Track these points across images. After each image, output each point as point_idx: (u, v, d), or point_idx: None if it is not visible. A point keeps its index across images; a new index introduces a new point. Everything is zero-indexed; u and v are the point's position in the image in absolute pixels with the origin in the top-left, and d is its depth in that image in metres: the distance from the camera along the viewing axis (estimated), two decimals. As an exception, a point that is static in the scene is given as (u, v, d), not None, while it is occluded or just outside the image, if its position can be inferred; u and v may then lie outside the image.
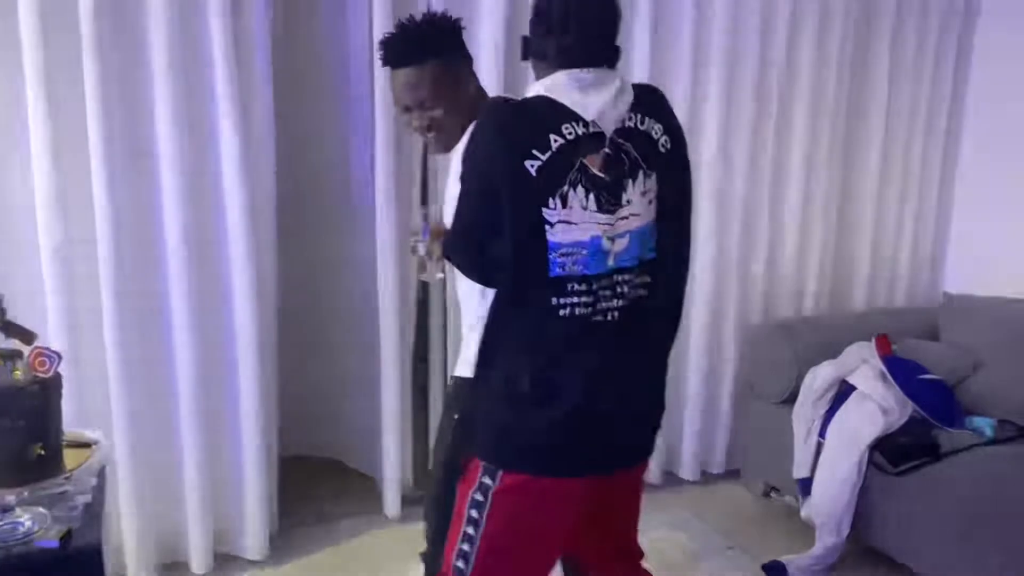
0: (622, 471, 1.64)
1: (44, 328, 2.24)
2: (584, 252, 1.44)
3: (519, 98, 1.55)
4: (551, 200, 1.42)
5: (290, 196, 2.91)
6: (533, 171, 1.41)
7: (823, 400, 2.86)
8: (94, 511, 1.28)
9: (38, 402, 1.25)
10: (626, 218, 1.47)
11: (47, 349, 1.27)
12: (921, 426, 2.69)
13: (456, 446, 1.80)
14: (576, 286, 1.45)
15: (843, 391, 2.84)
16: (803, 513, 2.78)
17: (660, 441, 3.13)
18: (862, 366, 2.86)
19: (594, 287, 1.46)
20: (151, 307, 2.45)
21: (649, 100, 1.54)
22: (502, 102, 1.53)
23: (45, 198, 2.24)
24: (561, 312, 1.45)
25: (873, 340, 2.95)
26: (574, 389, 1.48)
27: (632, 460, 1.66)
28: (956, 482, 2.47)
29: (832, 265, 3.41)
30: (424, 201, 2.46)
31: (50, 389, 1.27)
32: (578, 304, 1.45)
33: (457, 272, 1.83)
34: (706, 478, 3.36)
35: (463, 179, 1.52)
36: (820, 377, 2.89)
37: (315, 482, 3.23)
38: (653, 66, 2.93)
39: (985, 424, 2.71)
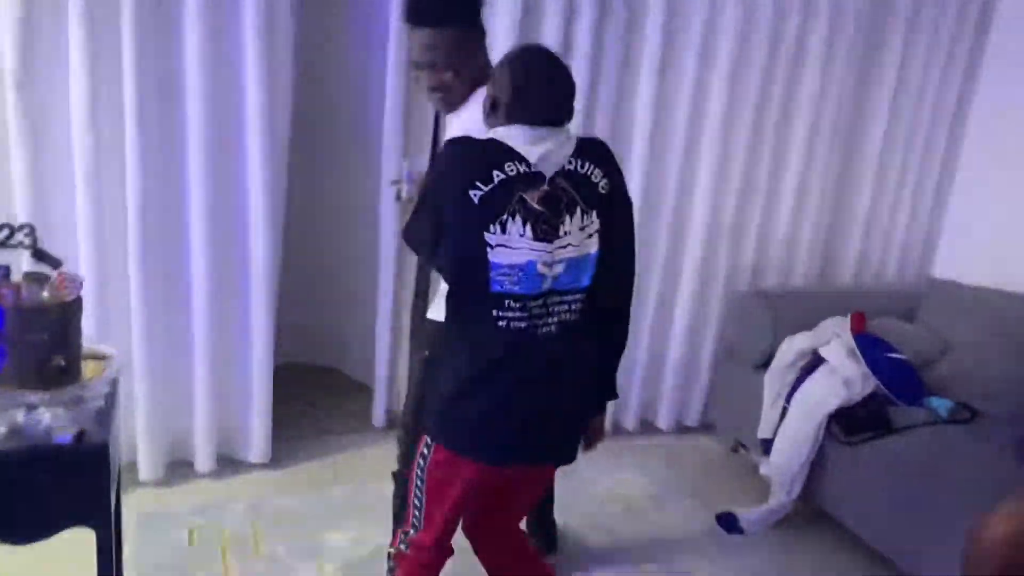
0: (529, 467, 1.88)
1: (77, 250, 2.47)
2: (520, 273, 1.64)
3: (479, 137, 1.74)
4: (491, 226, 1.63)
5: (304, 125, 3.06)
6: (476, 200, 1.63)
7: (793, 368, 3.02)
8: (105, 415, 1.50)
9: (61, 319, 1.45)
10: (564, 247, 1.67)
11: (71, 274, 1.47)
12: (880, 401, 2.86)
13: (424, 382, 2.02)
14: (512, 303, 1.65)
15: (813, 362, 2.99)
16: (762, 470, 2.97)
17: (636, 394, 3.38)
18: (834, 340, 3.01)
19: (528, 305, 1.66)
20: (172, 226, 2.63)
21: (592, 150, 1.76)
22: (461, 139, 1.73)
23: (79, 126, 2.41)
24: (499, 323, 1.66)
25: (849, 316, 3.10)
26: (501, 391, 1.70)
27: (540, 460, 1.87)
28: (901, 455, 2.63)
29: (824, 241, 3.53)
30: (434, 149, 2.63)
31: (72, 309, 1.47)
32: (514, 318, 1.66)
33: None
34: (681, 429, 3.57)
35: (421, 194, 1.75)
36: (793, 346, 3.04)
37: (314, 390, 3.50)
38: (664, 35, 3.01)
39: (941, 405, 2.86)
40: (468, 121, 1.92)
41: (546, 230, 1.65)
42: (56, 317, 1.44)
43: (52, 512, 1.46)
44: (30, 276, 1.46)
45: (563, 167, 1.69)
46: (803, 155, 3.34)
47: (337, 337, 3.64)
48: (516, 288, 1.65)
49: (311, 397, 3.46)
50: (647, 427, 3.53)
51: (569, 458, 1.86)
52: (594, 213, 1.71)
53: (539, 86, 1.72)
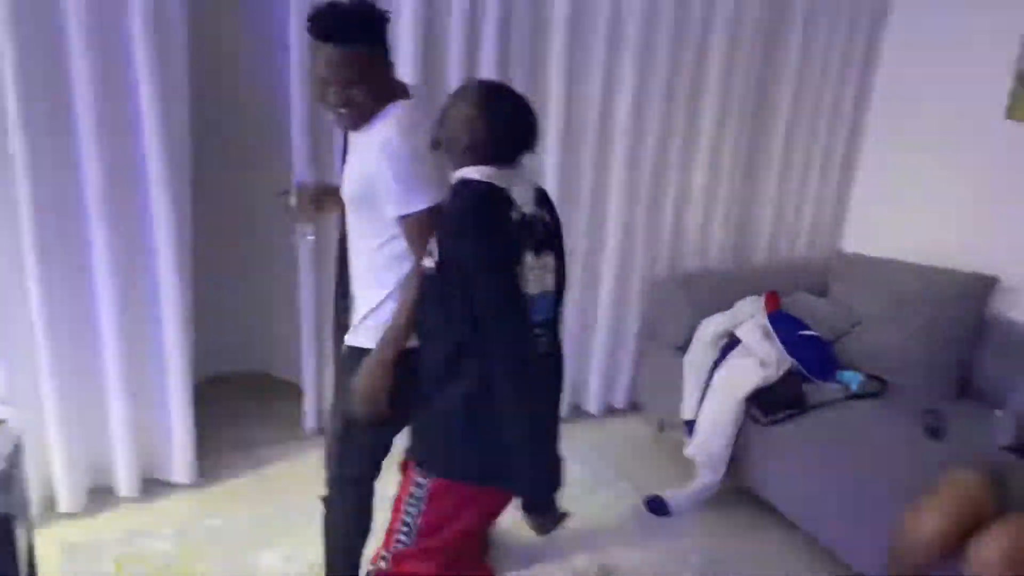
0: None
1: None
2: (539, 302, 1.79)
3: (475, 179, 1.77)
4: (521, 257, 1.75)
5: (211, 132, 2.99)
6: (514, 234, 1.74)
7: (712, 350, 3.10)
8: (7, 486, 1.45)
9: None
10: (539, 282, 1.79)
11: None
12: (795, 379, 2.96)
13: (352, 411, 2.01)
14: (537, 330, 1.80)
15: (730, 343, 3.08)
16: (687, 451, 3.06)
17: (566, 381, 3.43)
18: (749, 320, 3.09)
19: (537, 332, 1.80)
20: (72, 247, 2.53)
21: (543, 195, 1.87)
22: (478, 193, 1.75)
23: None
24: (538, 347, 1.80)
25: (763, 296, 3.18)
26: (519, 424, 1.75)
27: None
28: (817, 432, 2.74)
29: (737, 222, 3.60)
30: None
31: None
32: (539, 343, 1.80)
33: (354, 234, 2.02)
34: (610, 412, 3.64)
35: (483, 270, 1.72)
36: (711, 329, 3.12)
37: (241, 402, 3.45)
38: (570, 30, 3.00)
39: (853, 379, 2.97)
40: (374, 143, 1.90)
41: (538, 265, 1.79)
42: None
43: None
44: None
45: (533, 211, 1.79)
46: (712, 141, 3.39)
47: (263, 341, 3.58)
48: (537, 316, 1.78)
49: (239, 407, 3.41)
50: (576, 412, 3.59)
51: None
52: (552, 254, 1.83)
53: (517, 128, 1.78)
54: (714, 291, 3.29)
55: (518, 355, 1.74)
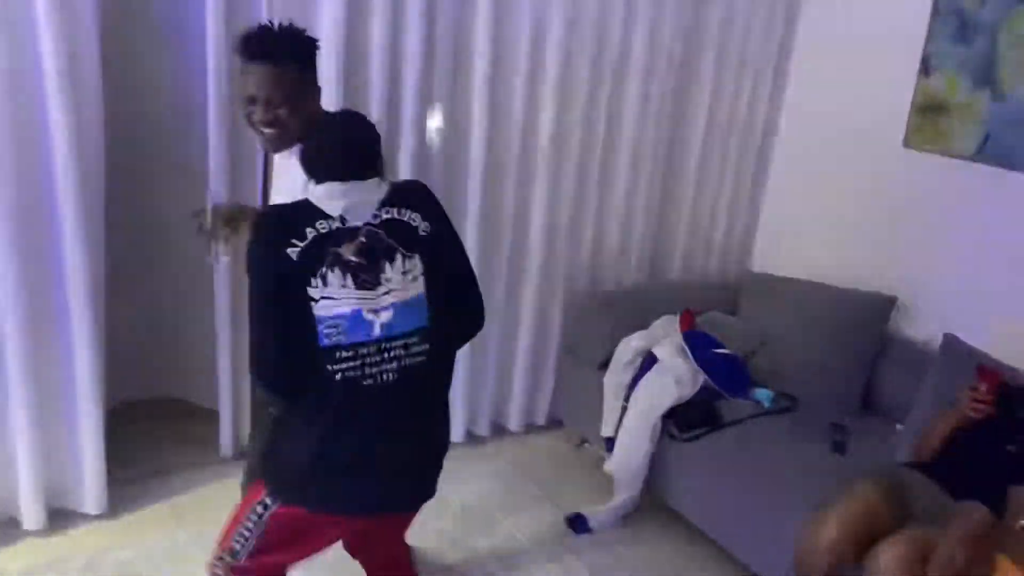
0: (386, 515, 1.96)
1: None
2: (346, 323, 1.69)
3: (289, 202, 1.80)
4: (312, 280, 1.68)
5: (122, 145, 2.88)
6: (294, 256, 1.68)
7: (630, 367, 3.16)
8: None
9: None
10: (388, 293, 1.73)
11: None
12: (710, 396, 3.05)
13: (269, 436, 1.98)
14: (343, 353, 1.70)
15: (648, 360, 3.15)
16: (606, 467, 3.11)
17: (487, 399, 3.45)
18: (665, 339, 3.17)
19: (360, 352, 1.71)
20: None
21: (409, 195, 1.85)
22: (272, 206, 1.83)
23: None
24: (336, 376, 1.70)
25: (678, 315, 3.28)
26: (348, 443, 1.74)
27: (395, 508, 1.94)
28: (729, 449, 2.83)
29: (653, 242, 3.70)
30: (264, 191, 2.54)
31: None
32: (347, 368, 1.70)
33: None
34: (529, 429, 3.67)
35: (248, 270, 1.75)
36: (629, 346, 3.19)
37: (156, 425, 3.34)
38: (494, 45, 3.04)
39: (764, 396, 3.09)
40: (299, 166, 1.89)
41: (366, 280, 1.71)
42: None
43: None
44: None
45: (378, 216, 1.75)
46: (629, 163, 3.47)
47: (178, 365, 3.46)
48: (343, 338, 1.69)
49: (153, 433, 3.29)
50: (497, 429, 3.61)
51: (424, 498, 1.92)
52: (416, 257, 1.76)
53: (337, 146, 1.81)
54: (632, 309, 3.36)
55: (264, 377, 1.78)
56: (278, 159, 2.08)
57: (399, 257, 1.74)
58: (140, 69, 3.08)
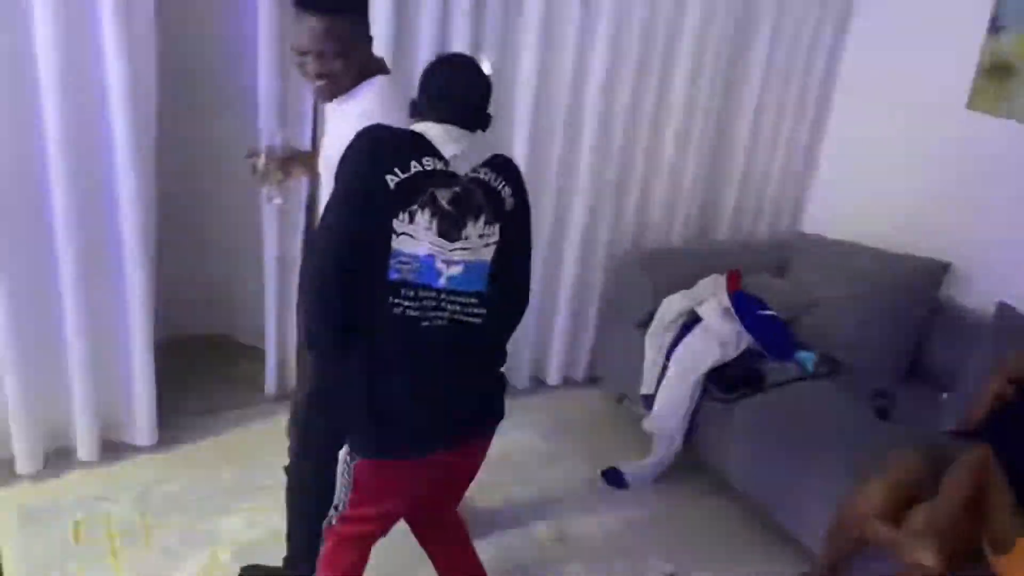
0: (449, 452, 1.91)
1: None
2: (418, 264, 1.68)
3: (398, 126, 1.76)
4: (401, 213, 1.66)
5: (176, 87, 2.92)
6: (392, 185, 1.65)
7: (672, 327, 3.15)
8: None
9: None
10: (463, 249, 1.71)
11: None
12: (753, 359, 3.02)
13: (315, 378, 2.02)
14: (407, 291, 1.68)
15: (690, 321, 3.13)
16: (644, 425, 3.12)
17: (527, 353, 3.47)
18: (710, 299, 3.15)
19: (422, 295, 1.69)
20: (32, 204, 2.47)
21: (503, 166, 1.80)
22: (382, 126, 1.74)
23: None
24: (396, 311, 1.69)
25: (725, 275, 3.24)
26: (406, 382, 1.75)
27: (466, 433, 1.92)
28: (771, 411, 2.82)
29: (701, 200, 3.65)
30: (314, 136, 2.55)
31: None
32: (408, 307, 1.69)
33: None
34: (568, 384, 3.69)
35: (337, 179, 1.72)
36: (672, 307, 3.17)
37: (203, 362, 3.42)
38: (544, 7, 2.99)
39: (808, 359, 3.05)
40: (353, 114, 1.89)
41: (450, 229, 1.68)
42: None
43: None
44: None
45: (476, 174, 1.73)
46: (681, 118, 3.41)
47: (226, 303, 3.55)
48: (411, 277, 1.68)
49: (201, 370, 3.39)
50: (537, 384, 3.64)
51: (495, 417, 1.92)
52: (496, 226, 1.74)
53: (458, 88, 1.78)
54: (677, 269, 3.33)
55: (320, 299, 1.72)
56: (329, 107, 2.08)
57: (482, 220, 1.72)
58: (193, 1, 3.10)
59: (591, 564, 2.60)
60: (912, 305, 3.12)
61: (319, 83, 1.96)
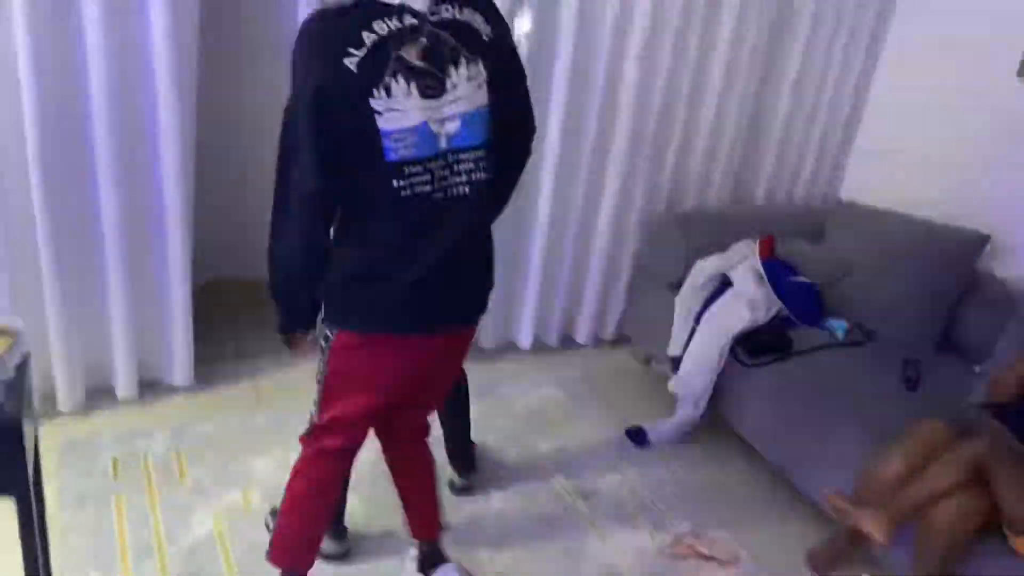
0: (444, 335, 1.84)
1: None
2: (414, 136, 1.55)
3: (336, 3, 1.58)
4: (375, 91, 1.52)
5: (214, 29, 2.93)
6: (353, 67, 1.50)
7: (704, 290, 3.15)
8: (16, 391, 1.51)
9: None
10: (454, 102, 1.58)
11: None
12: (783, 324, 3.02)
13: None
14: (412, 168, 1.57)
15: (722, 284, 3.13)
16: (670, 386, 3.14)
17: (558, 311, 3.48)
18: (743, 263, 3.14)
19: (430, 167, 1.58)
20: (74, 145, 2.51)
21: None
22: (318, 10, 1.57)
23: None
24: (403, 193, 1.58)
25: (758, 240, 3.22)
26: (422, 259, 1.65)
27: (459, 320, 1.84)
28: (798, 378, 2.81)
29: (739, 163, 3.61)
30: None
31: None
32: (417, 183, 1.58)
33: None
34: (597, 343, 3.71)
35: (293, 86, 1.57)
36: (704, 269, 3.16)
37: (241, 305, 3.45)
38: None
39: (839, 327, 3.04)
40: None
41: (432, 86, 1.55)
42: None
43: (-31, 484, 1.49)
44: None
45: (437, 14, 1.56)
46: (722, 78, 3.37)
47: (263, 246, 3.58)
48: (413, 152, 1.56)
49: (237, 314, 3.44)
50: (567, 342, 3.66)
51: (480, 311, 1.85)
52: (480, 63, 1.60)
53: None
54: (711, 231, 3.32)
55: (293, 196, 1.63)
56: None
57: (464, 61, 1.58)
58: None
59: (611, 520, 2.64)
60: (948, 276, 3.07)
61: None
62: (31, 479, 1.56)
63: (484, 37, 1.61)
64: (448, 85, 1.57)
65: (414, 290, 1.68)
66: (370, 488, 2.46)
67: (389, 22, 1.52)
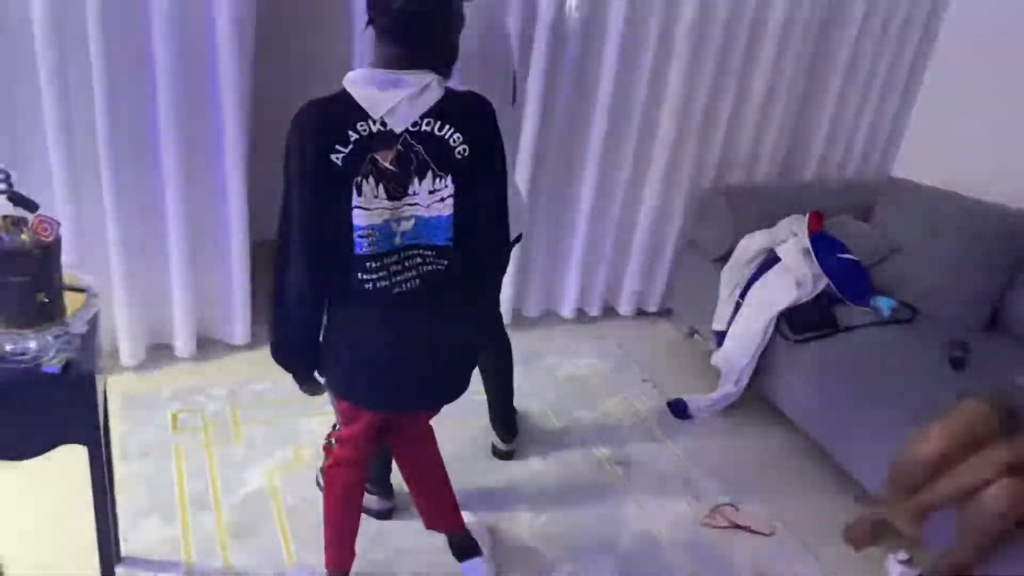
0: (407, 414, 2.05)
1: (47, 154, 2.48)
2: (377, 234, 1.65)
3: (328, 95, 1.66)
4: (354, 187, 1.61)
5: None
6: (339, 163, 1.59)
7: (750, 265, 3.16)
8: (88, 345, 1.61)
9: (41, 260, 1.51)
10: (412, 206, 1.66)
11: (48, 217, 1.52)
12: (829, 301, 3.01)
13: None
14: (373, 263, 1.66)
15: (769, 260, 3.13)
16: (713, 360, 3.17)
17: (601, 281, 3.51)
18: (791, 239, 3.13)
19: (386, 262, 1.67)
20: (139, 109, 2.60)
21: (459, 110, 1.67)
22: (310, 103, 1.64)
23: (40, 27, 2.36)
24: (366, 286, 1.68)
25: (807, 215, 3.21)
26: (379, 348, 1.77)
27: (417, 407, 2.01)
28: (843, 354, 2.82)
29: (789, 138, 3.58)
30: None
31: (51, 250, 1.53)
32: (378, 278, 1.68)
33: None
34: (640, 315, 3.74)
35: (286, 172, 1.65)
36: (752, 244, 3.17)
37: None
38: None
39: (885, 305, 3.02)
40: None
41: (394, 189, 1.63)
42: (37, 259, 1.51)
43: (45, 432, 1.58)
44: (8, 220, 1.51)
45: (418, 126, 1.62)
46: (775, 52, 3.34)
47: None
48: (375, 248, 1.65)
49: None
50: (609, 312, 3.70)
51: (448, 399, 1.94)
52: (448, 178, 1.66)
53: (392, 19, 1.59)
54: (758, 206, 3.31)
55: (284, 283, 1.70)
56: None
57: (430, 175, 1.65)
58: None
59: (649, 488, 2.69)
60: (999, 256, 3.03)
61: None
62: (102, 428, 1.66)
63: (457, 155, 1.66)
64: (410, 190, 1.65)
65: (375, 374, 1.81)
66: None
67: (370, 124, 1.60)
